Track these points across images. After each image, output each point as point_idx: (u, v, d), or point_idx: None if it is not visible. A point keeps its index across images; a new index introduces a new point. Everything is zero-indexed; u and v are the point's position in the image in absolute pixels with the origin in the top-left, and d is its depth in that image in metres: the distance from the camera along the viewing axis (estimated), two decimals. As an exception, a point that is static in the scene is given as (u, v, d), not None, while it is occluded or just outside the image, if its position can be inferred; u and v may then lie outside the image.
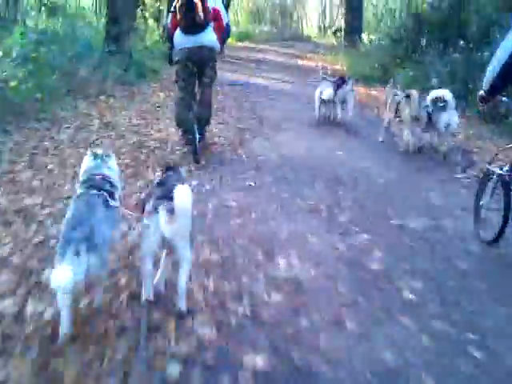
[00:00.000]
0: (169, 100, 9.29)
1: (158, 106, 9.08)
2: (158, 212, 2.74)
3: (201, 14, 5.59)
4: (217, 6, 5.94)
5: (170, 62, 6.40)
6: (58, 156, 5.95)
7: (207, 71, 6.06)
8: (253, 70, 15.21)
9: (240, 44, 27.22)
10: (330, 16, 39.04)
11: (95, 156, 3.22)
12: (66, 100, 8.28)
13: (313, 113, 8.54)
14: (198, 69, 6.02)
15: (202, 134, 6.18)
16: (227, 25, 6.18)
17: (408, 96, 6.79)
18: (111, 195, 2.99)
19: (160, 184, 3.17)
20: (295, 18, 39.52)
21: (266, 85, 12.97)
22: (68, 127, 7.17)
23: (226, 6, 22.07)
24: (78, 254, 2.50)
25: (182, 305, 2.92)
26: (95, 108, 8.43)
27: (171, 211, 2.65)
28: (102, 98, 9.08)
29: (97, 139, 6.69)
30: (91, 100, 8.81)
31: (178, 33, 5.88)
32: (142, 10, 15.95)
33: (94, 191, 2.90)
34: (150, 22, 17.37)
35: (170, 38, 6.10)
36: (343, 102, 8.32)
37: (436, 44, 11.98)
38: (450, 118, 6.39)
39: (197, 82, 6.20)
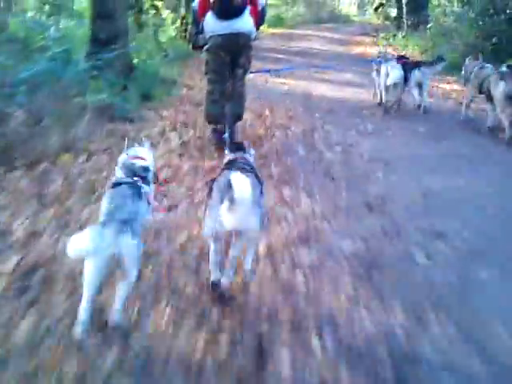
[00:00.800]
0: (195, 151, 5.57)
1: (167, 181, 4.60)
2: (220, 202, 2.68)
3: None
4: None
5: (194, 46, 5.96)
6: None
7: (242, 61, 5.52)
8: (304, 72, 11.16)
9: (274, 31, 23.37)
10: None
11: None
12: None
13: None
14: (231, 58, 5.45)
15: (232, 131, 5.57)
16: (263, 9, 5.59)
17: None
18: (144, 180, 3.01)
19: (228, 165, 3.15)
20: (331, -5, 35.18)
21: (341, 97, 8.91)
22: None
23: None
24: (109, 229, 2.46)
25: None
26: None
27: (232, 201, 2.56)
28: (62, 159, 4.89)
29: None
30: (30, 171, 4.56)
31: (209, 17, 5.30)
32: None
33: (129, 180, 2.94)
34: (165, 13, 13.67)
35: (197, 22, 5.53)
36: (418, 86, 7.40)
37: None
38: None
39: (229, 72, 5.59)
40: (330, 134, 6.43)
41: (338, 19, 31.33)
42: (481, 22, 11.98)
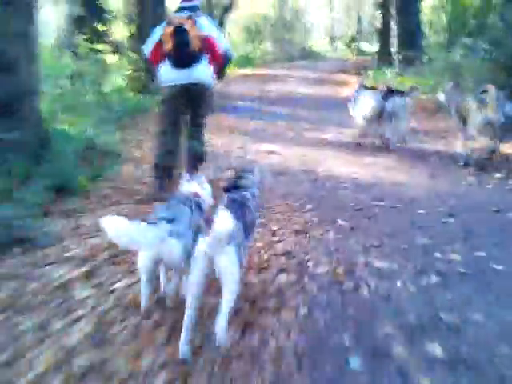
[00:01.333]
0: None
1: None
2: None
3: (196, 43, 4.92)
4: (211, 34, 5.07)
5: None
6: None
7: (199, 109, 5.29)
8: (293, 127, 8.69)
9: (244, 71, 21.05)
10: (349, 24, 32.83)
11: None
12: None
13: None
14: (190, 108, 5.24)
15: (195, 167, 5.21)
16: (226, 53, 5.23)
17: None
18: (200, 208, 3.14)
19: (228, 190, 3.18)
20: (299, 31, 33.18)
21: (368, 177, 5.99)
22: None
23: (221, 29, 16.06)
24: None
25: None
26: None
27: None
28: None
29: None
30: None
31: (165, 66, 5.06)
32: (88, 39, 9.68)
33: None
34: (111, 57, 11.11)
35: (153, 69, 5.36)
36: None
37: None
38: None
39: (187, 121, 5.37)
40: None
41: (309, 56, 29.36)
42: (494, 53, 9.78)
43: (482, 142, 6.29)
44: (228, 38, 29.53)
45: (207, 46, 5.03)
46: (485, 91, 5.89)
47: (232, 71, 21.63)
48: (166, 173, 5.18)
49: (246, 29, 31.66)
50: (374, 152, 7.07)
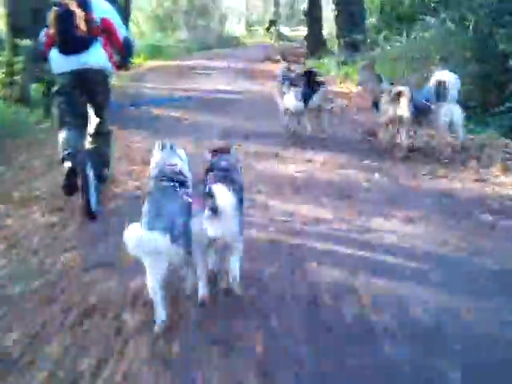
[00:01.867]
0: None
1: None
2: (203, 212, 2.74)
3: (82, 26, 4.59)
4: (107, 16, 4.82)
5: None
6: None
7: (99, 99, 4.94)
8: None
9: (154, 64, 18.32)
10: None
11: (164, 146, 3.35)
12: None
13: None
14: (86, 98, 4.87)
15: (101, 177, 4.91)
16: (127, 39, 5.03)
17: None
18: (183, 184, 3.08)
19: (210, 170, 3.19)
20: (214, 17, 30.51)
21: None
22: None
23: (126, 16, 13.29)
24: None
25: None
26: None
27: (214, 211, 2.66)
28: None
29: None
30: None
31: (54, 52, 4.73)
32: None
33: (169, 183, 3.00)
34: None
35: (44, 60, 4.91)
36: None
37: None
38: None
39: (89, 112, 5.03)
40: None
41: (227, 43, 26.84)
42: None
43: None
44: (134, 26, 26.72)
45: (103, 28, 4.79)
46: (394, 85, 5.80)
47: (140, 63, 18.91)
48: (72, 173, 4.49)
49: (155, 16, 28.71)
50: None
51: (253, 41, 29.76)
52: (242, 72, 14.03)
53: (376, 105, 5.95)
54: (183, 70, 15.13)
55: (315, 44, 15.75)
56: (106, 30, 4.78)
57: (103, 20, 4.75)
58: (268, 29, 30.72)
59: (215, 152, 3.37)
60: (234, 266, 2.93)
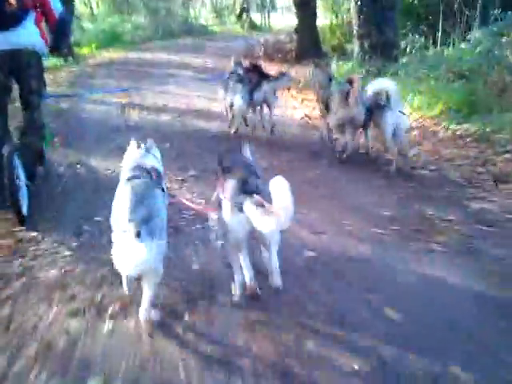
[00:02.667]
0: None
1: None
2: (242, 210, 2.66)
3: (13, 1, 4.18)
4: None
5: None
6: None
7: (32, 84, 4.42)
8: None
9: (109, 54, 14.84)
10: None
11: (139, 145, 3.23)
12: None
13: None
14: (16, 82, 4.41)
15: (33, 176, 4.48)
16: (62, 16, 4.53)
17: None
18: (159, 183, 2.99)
19: (229, 171, 3.00)
20: (178, 1, 26.72)
21: None
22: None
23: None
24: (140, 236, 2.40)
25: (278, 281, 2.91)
26: None
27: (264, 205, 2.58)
28: None
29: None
30: None
31: None
32: None
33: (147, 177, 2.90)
34: None
35: None
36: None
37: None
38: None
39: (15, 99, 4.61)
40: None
41: (193, 31, 23.34)
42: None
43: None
44: (84, 6, 22.84)
45: (36, 2, 4.35)
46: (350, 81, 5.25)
47: (89, 53, 15.35)
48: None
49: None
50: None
51: (222, 30, 26.24)
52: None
53: (326, 106, 5.56)
54: (139, 68, 11.71)
55: (307, 38, 12.70)
56: (40, 4, 4.37)
57: None
58: (240, 16, 27.28)
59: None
60: (275, 257, 2.87)
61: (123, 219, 2.50)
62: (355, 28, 8.95)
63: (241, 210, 2.65)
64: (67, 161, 5.42)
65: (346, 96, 5.12)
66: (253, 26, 26.89)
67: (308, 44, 13.28)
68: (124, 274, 2.70)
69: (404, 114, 5.08)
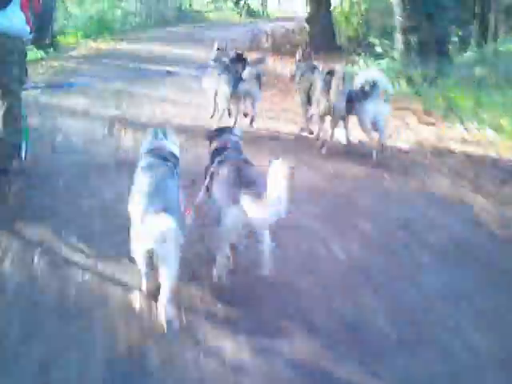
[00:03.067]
0: None
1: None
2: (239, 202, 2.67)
3: None
4: None
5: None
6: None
7: (12, 72, 4.19)
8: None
9: (97, 45, 13.18)
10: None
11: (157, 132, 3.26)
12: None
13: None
14: None
15: (5, 170, 4.27)
16: (48, 1, 4.67)
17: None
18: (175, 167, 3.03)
19: (218, 154, 3.10)
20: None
21: None
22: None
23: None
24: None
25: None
26: None
27: (260, 196, 2.62)
28: None
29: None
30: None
31: None
32: None
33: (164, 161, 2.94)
34: None
35: None
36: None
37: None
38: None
39: None
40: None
41: (187, 18, 21.64)
42: None
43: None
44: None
45: None
46: (331, 72, 5.19)
47: (75, 43, 13.64)
48: None
49: None
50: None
51: (219, 17, 24.46)
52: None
53: (308, 97, 5.48)
54: (139, 64, 10.05)
55: (321, 34, 11.17)
56: None
57: None
58: (237, 3, 25.46)
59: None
60: (267, 247, 2.86)
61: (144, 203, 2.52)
62: (398, 19, 7.33)
63: (237, 201, 2.67)
64: (18, 247, 3.41)
65: (327, 87, 5.09)
66: (250, 13, 25.15)
67: (322, 36, 11.74)
68: (142, 252, 2.54)
69: (386, 104, 5.03)
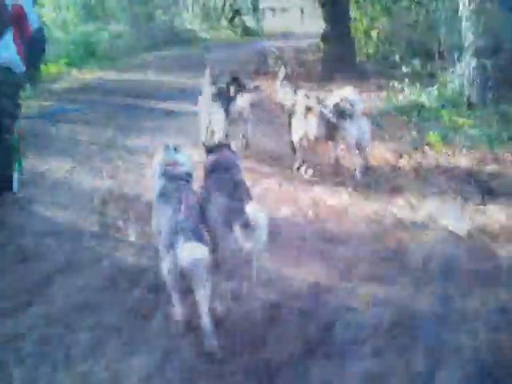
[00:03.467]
0: None
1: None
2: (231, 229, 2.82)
3: None
4: (19, 2, 4.19)
5: None
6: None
7: (5, 105, 4.17)
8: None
9: (80, 79, 11.53)
10: None
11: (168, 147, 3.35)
12: None
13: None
14: None
15: None
16: (40, 31, 4.41)
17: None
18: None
19: (213, 175, 3.22)
20: (162, 4, 23.23)
21: None
22: None
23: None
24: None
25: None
26: None
27: (246, 226, 2.76)
28: None
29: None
30: None
31: None
32: None
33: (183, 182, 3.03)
34: None
35: None
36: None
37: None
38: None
39: None
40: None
41: (180, 40, 20.07)
42: None
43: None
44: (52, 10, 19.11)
45: (14, 17, 4.16)
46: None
47: (58, 73, 12.00)
48: None
49: (85, 6, 21.01)
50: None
51: (215, 36, 22.84)
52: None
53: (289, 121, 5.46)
54: (131, 101, 8.34)
55: (339, 54, 9.69)
56: (17, 20, 4.18)
57: (14, 7, 4.15)
58: (232, 19, 24.00)
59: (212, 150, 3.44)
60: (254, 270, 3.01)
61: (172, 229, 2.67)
62: (469, 35, 5.67)
63: (231, 230, 2.81)
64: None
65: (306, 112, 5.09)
66: (246, 31, 23.60)
67: (340, 56, 10.16)
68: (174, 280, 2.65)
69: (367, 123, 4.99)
